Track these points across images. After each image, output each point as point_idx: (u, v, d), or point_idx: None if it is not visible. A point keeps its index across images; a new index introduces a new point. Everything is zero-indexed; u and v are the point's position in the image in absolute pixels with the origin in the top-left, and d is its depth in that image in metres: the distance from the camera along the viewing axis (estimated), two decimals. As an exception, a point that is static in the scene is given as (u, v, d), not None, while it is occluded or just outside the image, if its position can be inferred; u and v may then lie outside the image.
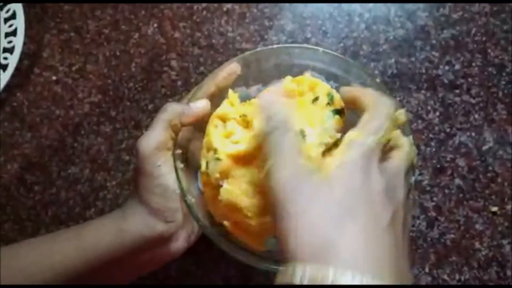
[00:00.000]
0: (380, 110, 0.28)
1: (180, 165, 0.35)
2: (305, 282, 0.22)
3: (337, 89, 0.36)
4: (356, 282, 0.22)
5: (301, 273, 0.22)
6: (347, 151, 0.26)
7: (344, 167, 0.25)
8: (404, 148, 0.29)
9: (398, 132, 0.29)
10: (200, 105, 0.35)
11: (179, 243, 0.35)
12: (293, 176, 0.25)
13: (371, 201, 0.24)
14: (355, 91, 0.32)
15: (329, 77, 0.37)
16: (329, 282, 0.22)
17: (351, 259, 0.23)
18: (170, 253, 0.35)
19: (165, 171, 0.34)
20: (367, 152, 0.26)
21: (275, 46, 0.44)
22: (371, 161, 0.26)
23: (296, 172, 0.25)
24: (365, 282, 0.22)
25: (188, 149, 0.37)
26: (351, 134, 0.27)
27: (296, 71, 0.37)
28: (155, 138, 0.34)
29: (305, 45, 0.38)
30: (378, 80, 0.35)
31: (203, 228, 0.35)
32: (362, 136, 0.27)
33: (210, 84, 0.36)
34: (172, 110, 0.35)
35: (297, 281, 0.22)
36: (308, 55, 0.37)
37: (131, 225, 0.34)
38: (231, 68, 0.37)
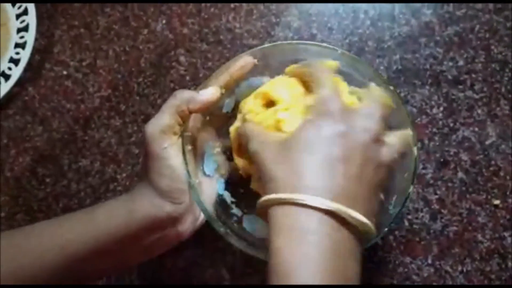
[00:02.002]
0: (319, 71, 0.34)
1: (189, 147, 0.36)
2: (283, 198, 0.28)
3: (352, 91, 0.38)
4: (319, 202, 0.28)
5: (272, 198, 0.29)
6: (312, 106, 0.32)
7: (305, 123, 0.31)
8: (372, 93, 0.34)
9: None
10: (209, 92, 0.36)
11: (186, 226, 0.36)
12: (260, 144, 0.32)
13: (328, 140, 0.30)
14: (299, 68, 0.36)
15: (345, 78, 0.38)
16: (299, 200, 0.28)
17: (293, 187, 0.29)
18: (178, 235, 0.36)
19: (171, 154, 0.35)
20: (320, 107, 0.31)
21: (293, 41, 0.45)
22: (326, 110, 0.31)
23: (261, 141, 0.32)
24: (323, 202, 0.28)
25: (196, 135, 0.38)
26: (307, 99, 0.33)
27: None
28: (161, 122, 0.35)
29: (324, 44, 0.39)
30: (392, 87, 0.37)
31: (203, 211, 0.36)
32: (312, 97, 0.32)
33: (224, 74, 0.37)
34: (181, 97, 0.36)
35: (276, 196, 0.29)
36: (325, 54, 0.38)
37: (140, 206, 0.35)
38: (246, 60, 0.37)
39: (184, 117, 0.36)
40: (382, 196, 0.32)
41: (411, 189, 0.35)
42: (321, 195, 0.28)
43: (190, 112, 0.36)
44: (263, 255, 0.35)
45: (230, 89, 0.38)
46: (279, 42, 0.40)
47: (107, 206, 0.37)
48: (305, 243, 0.27)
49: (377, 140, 0.31)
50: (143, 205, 0.35)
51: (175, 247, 0.44)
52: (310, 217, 0.28)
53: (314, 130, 0.30)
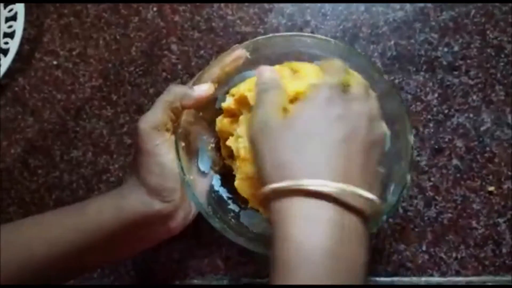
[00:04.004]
0: (332, 64, 0.34)
1: (182, 144, 0.36)
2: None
3: None
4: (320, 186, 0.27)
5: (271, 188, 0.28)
6: (307, 93, 0.31)
7: (304, 105, 0.31)
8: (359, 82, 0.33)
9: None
10: (203, 88, 0.36)
11: (177, 222, 0.36)
12: (262, 125, 0.30)
13: (327, 123, 0.29)
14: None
15: None
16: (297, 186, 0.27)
17: (302, 173, 0.28)
18: (167, 231, 0.36)
19: (163, 151, 0.34)
20: (326, 90, 0.31)
21: (287, 33, 0.45)
22: (330, 95, 0.30)
23: (266, 120, 0.30)
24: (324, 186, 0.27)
25: (189, 131, 0.37)
26: (312, 80, 0.32)
27: (306, 59, 0.37)
28: (154, 118, 0.34)
29: (318, 35, 0.38)
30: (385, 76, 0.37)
31: (198, 207, 0.36)
32: (320, 80, 0.32)
33: (216, 68, 0.37)
34: (174, 92, 0.35)
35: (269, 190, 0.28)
36: (319, 45, 0.38)
37: (129, 203, 0.34)
38: (237, 54, 0.37)
39: (177, 113, 0.35)
40: (381, 169, 0.32)
41: (408, 177, 0.35)
42: (331, 178, 0.27)
43: (183, 108, 0.36)
44: (262, 249, 0.35)
45: (222, 83, 0.38)
46: (271, 35, 0.39)
47: (97, 201, 0.36)
48: (318, 233, 0.26)
49: (370, 120, 0.31)
50: (132, 202, 0.34)
51: (169, 239, 0.44)
52: (322, 206, 0.27)
53: (317, 113, 0.30)
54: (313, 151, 0.28)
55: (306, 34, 0.43)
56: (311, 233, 0.26)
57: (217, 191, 0.38)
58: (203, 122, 0.39)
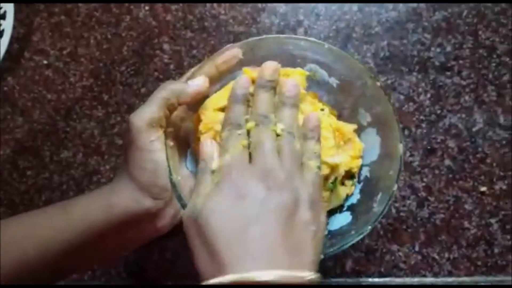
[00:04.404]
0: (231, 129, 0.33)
1: (170, 143, 0.35)
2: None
3: (338, 86, 0.37)
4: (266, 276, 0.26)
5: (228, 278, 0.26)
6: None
7: (212, 194, 0.30)
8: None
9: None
10: (199, 82, 0.35)
11: (166, 220, 0.35)
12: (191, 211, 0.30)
13: (272, 214, 0.28)
14: None
15: (331, 72, 0.38)
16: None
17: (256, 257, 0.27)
18: (156, 230, 0.36)
19: (157, 147, 0.34)
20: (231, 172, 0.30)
21: (281, 35, 0.45)
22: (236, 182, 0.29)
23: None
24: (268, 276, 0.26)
25: (180, 128, 0.37)
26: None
27: (299, 62, 0.37)
28: (149, 114, 0.34)
29: (311, 38, 0.38)
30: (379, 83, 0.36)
31: (183, 207, 0.35)
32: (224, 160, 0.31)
33: (210, 66, 0.36)
34: (171, 89, 0.34)
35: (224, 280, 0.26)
36: (311, 48, 0.37)
37: (118, 200, 0.34)
38: (233, 53, 0.36)
39: (172, 110, 0.35)
40: (324, 218, 0.31)
41: (395, 187, 0.35)
42: (270, 267, 0.27)
43: (179, 105, 0.35)
44: None
45: (214, 82, 0.37)
46: (264, 36, 0.39)
47: (84, 200, 0.36)
48: None
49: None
50: (122, 200, 0.34)
51: (160, 239, 0.43)
52: None
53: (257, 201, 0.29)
54: (260, 240, 0.27)
55: (300, 36, 0.43)
56: None
57: None
58: (192, 119, 0.38)
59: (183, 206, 0.35)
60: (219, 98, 0.36)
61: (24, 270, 0.34)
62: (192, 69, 0.37)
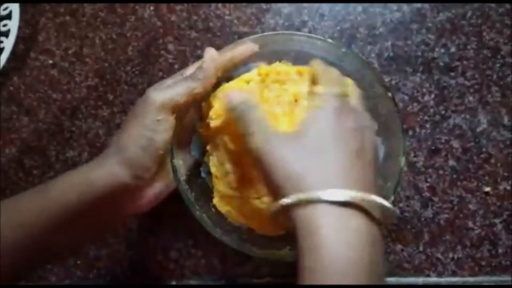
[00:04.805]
0: (331, 72, 0.33)
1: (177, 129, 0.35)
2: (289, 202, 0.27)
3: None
4: (336, 195, 0.27)
5: (292, 198, 0.27)
6: (313, 102, 0.31)
7: (312, 116, 0.30)
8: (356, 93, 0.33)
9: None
10: (248, 47, 0.37)
11: (144, 200, 0.36)
12: (266, 139, 0.29)
13: (341, 135, 0.29)
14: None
15: (341, 72, 0.38)
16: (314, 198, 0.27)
17: (322, 183, 0.27)
18: (134, 208, 0.36)
19: (160, 128, 0.34)
20: (332, 101, 0.30)
21: (288, 32, 0.45)
22: (338, 106, 0.30)
23: (268, 136, 0.29)
24: (333, 193, 0.27)
25: (185, 114, 0.37)
26: (314, 88, 0.32)
27: (306, 58, 0.38)
28: (172, 99, 0.34)
29: (314, 35, 0.38)
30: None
31: (181, 192, 0.36)
32: (325, 89, 0.31)
33: (226, 55, 0.37)
34: (202, 84, 0.35)
35: (290, 201, 0.27)
36: (316, 45, 0.38)
37: (98, 174, 0.34)
38: (249, 47, 0.37)
39: (194, 101, 0.35)
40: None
41: (392, 198, 0.35)
42: (351, 189, 0.27)
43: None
44: (236, 243, 0.36)
45: (228, 72, 0.38)
46: (280, 32, 0.39)
47: (64, 177, 0.35)
48: (347, 243, 0.26)
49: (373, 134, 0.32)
50: (102, 175, 0.34)
51: (166, 241, 0.44)
52: (348, 215, 0.27)
53: (330, 124, 0.29)
54: (330, 161, 0.28)
55: (315, 35, 0.43)
56: (341, 243, 0.26)
57: (203, 178, 0.38)
58: (198, 106, 0.39)
59: (181, 190, 0.36)
60: (231, 87, 0.36)
61: (5, 256, 0.34)
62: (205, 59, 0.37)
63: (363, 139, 0.30)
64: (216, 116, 0.36)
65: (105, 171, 0.34)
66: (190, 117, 0.38)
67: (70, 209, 0.34)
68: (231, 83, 0.37)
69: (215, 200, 0.37)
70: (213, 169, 0.37)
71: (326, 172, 0.28)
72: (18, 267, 0.35)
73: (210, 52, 0.36)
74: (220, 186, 0.36)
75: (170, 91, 0.34)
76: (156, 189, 0.36)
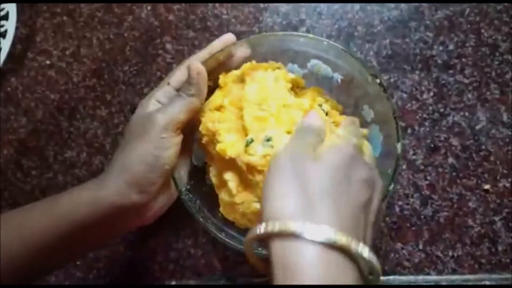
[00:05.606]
0: (355, 122, 0.35)
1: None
2: (274, 230, 0.25)
3: (343, 82, 0.38)
4: (321, 233, 0.24)
5: (271, 226, 0.25)
6: (336, 140, 0.30)
7: (334, 150, 0.29)
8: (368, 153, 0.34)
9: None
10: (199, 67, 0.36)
11: (150, 213, 0.36)
12: (297, 153, 0.29)
13: (353, 184, 0.28)
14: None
15: (335, 68, 0.38)
16: (297, 231, 0.24)
17: (323, 220, 0.25)
18: (141, 222, 0.37)
19: (165, 145, 0.35)
20: (352, 146, 0.30)
21: (280, 33, 0.45)
22: (355, 154, 0.30)
23: (300, 152, 0.29)
24: (326, 233, 0.24)
25: (186, 125, 0.37)
26: (335, 129, 0.33)
27: (302, 58, 0.38)
28: (175, 118, 0.35)
29: (310, 35, 0.38)
30: (378, 80, 0.36)
31: (185, 203, 0.37)
32: (346, 134, 0.32)
33: (204, 52, 0.38)
34: (197, 98, 0.36)
35: (263, 231, 0.25)
36: (312, 45, 0.38)
37: (106, 194, 0.34)
38: (226, 37, 0.38)
39: (194, 115, 0.36)
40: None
41: (391, 186, 0.35)
42: (333, 227, 0.25)
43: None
44: (236, 244, 0.36)
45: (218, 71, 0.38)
46: (268, 33, 0.39)
47: (71, 194, 0.36)
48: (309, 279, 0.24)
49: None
50: (109, 193, 0.34)
51: (166, 241, 0.44)
52: (314, 253, 0.24)
53: (343, 167, 0.28)
54: (339, 204, 0.26)
55: (299, 33, 0.43)
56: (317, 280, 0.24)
57: (209, 185, 0.38)
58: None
59: (185, 202, 0.36)
60: (216, 98, 0.37)
61: (11, 266, 0.34)
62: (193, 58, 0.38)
63: (372, 195, 0.29)
64: (204, 131, 0.36)
65: (112, 190, 0.34)
66: (190, 128, 0.38)
67: (76, 226, 0.35)
68: (214, 94, 0.37)
69: (221, 209, 0.37)
70: (213, 179, 0.37)
71: (326, 214, 0.26)
72: (20, 278, 0.35)
73: (194, 67, 0.36)
74: (222, 195, 0.37)
75: (170, 110, 0.35)
76: (161, 202, 0.37)
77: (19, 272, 0.35)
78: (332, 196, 0.26)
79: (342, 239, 0.24)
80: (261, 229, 0.25)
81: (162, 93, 0.37)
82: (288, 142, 0.31)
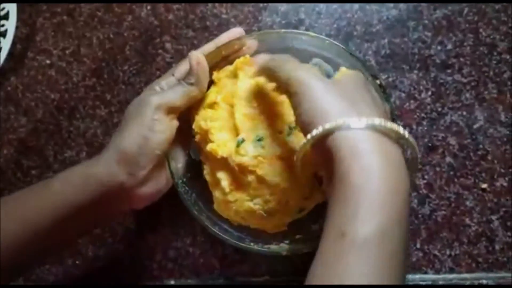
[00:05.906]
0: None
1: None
2: (335, 126, 0.28)
3: None
4: (373, 121, 0.28)
5: (329, 125, 0.28)
6: (347, 71, 0.34)
7: (350, 75, 0.32)
8: None
9: None
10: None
11: (139, 199, 0.37)
12: (310, 75, 0.30)
13: (369, 99, 0.31)
14: None
15: (337, 67, 0.38)
16: (352, 123, 0.28)
17: (367, 114, 0.29)
18: (130, 206, 0.37)
19: (158, 128, 0.35)
20: (361, 75, 0.33)
21: (282, 30, 0.45)
22: (365, 80, 0.33)
23: (313, 74, 0.30)
24: (376, 121, 0.28)
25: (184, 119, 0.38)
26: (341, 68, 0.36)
27: (303, 56, 0.38)
28: (170, 101, 0.35)
29: (312, 33, 0.39)
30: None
31: (179, 194, 0.37)
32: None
33: (210, 45, 0.38)
34: (197, 87, 0.36)
35: (321, 130, 0.28)
36: (314, 43, 0.38)
37: (96, 169, 0.35)
38: (234, 31, 0.38)
39: (193, 102, 0.37)
40: None
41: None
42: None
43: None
44: (234, 241, 0.37)
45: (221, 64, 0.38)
46: (272, 30, 0.39)
47: (64, 173, 0.37)
48: (387, 165, 0.27)
49: None
50: (99, 171, 0.35)
51: (165, 240, 0.44)
52: (372, 138, 0.28)
53: (361, 86, 0.32)
54: (363, 106, 0.29)
55: (301, 31, 0.43)
56: (386, 165, 0.27)
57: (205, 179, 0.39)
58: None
59: (181, 194, 0.37)
60: (209, 95, 0.37)
61: (8, 251, 0.34)
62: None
63: (384, 109, 0.33)
64: (197, 129, 0.36)
65: (102, 168, 0.35)
66: (189, 122, 0.38)
67: (68, 206, 0.35)
68: (208, 91, 0.38)
69: (215, 206, 0.38)
70: (207, 177, 0.37)
71: (359, 110, 0.29)
72: (18, 261, 0.36)
73: (194, 57, 0.36)
74: (216, 193, 0.37)
75: (167, 94, 0.36)
76: (150, 188, 0.37)
77: (18, 256, 0.35)
78: (364, 101, 0.30)
79: (388, 123, 0.28)
80: (319, 129, 0.28)
81: (165, 82, 0.38)
82: (293, 71, 0.31)
